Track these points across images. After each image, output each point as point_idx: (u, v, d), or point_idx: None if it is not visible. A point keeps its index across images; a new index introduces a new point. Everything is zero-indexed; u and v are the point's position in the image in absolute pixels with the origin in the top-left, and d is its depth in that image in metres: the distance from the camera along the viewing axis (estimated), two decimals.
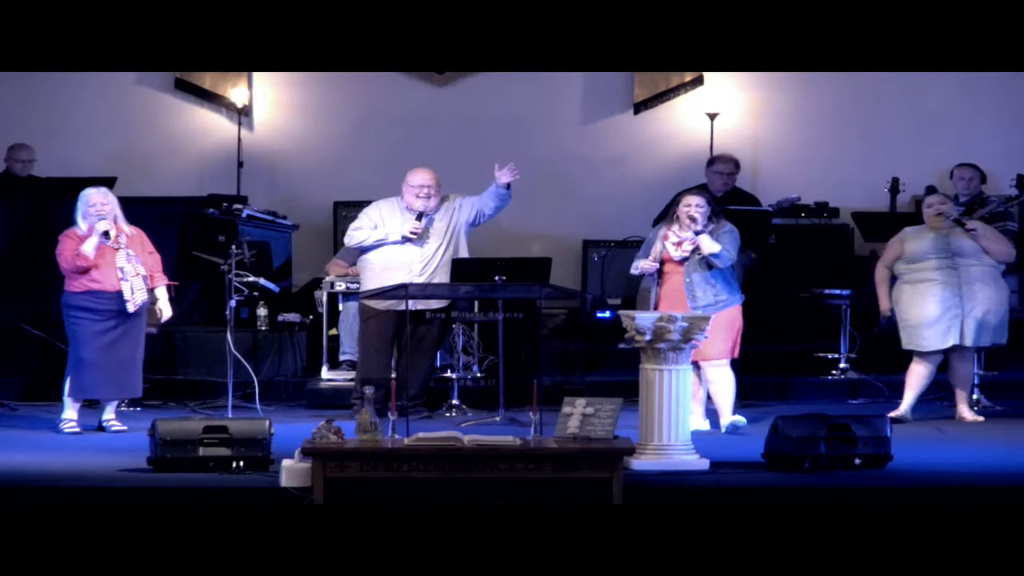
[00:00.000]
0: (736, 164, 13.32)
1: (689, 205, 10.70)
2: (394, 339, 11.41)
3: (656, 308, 10.52)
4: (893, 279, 11.34)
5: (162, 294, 10.91)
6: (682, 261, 10.64)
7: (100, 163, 13.83)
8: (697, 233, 10.60)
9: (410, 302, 10.88)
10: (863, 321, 12.59)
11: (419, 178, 11.35)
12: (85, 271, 10.58)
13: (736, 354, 10.71)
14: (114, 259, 10.60)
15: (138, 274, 10.65)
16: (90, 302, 10.59)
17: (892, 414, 11.01)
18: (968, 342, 11.07)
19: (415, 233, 11.25)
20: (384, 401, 9.85)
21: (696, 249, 10.61)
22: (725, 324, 10.56)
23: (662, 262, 10.70)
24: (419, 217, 11.25)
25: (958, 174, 13.14)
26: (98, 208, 10.63)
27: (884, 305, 11.36)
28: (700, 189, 12.47)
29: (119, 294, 10.58)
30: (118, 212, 10.74)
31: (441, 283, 11.22)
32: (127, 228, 10.77)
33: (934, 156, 13.93)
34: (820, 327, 12.69)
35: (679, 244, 10.65)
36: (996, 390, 11.82)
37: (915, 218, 12.52)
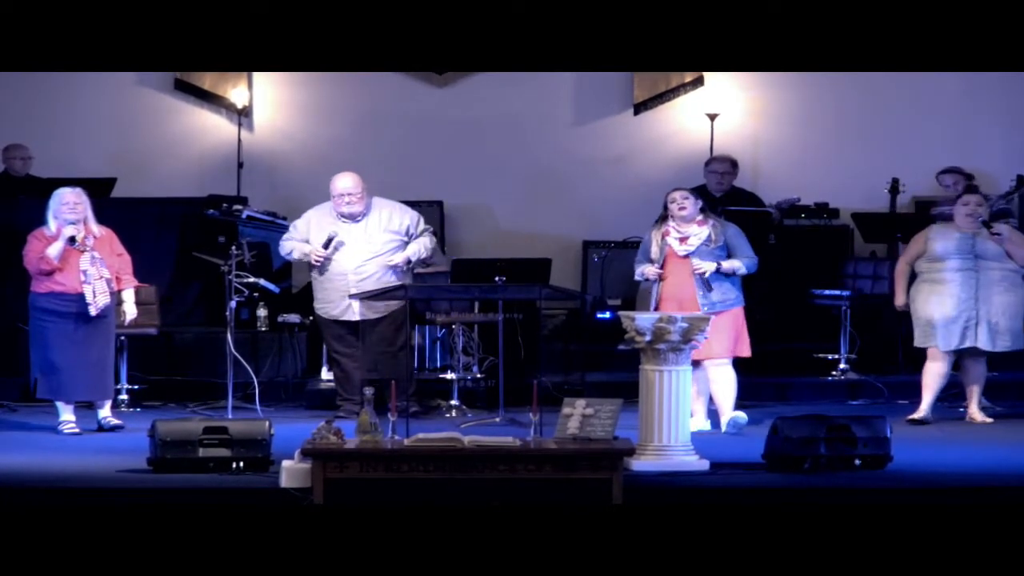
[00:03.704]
0: (733, 164, 13.29)
1: (675, 200, 10.63)
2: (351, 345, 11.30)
3: (657, 308, 10.46)
4: (913, 275, 11.25)
5: (128, 296, 10.87)
6: (687, 256, 10.56)
7: (100, 163, 13.83)
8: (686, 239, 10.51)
9: (350, 311, 10.97)
10: (863, 322, 12.59)
11: (339, 185, 11.13)
12: (49, 273, 10.56)
13: (748, 352, 10.66)
14: (78, 262, 10.58)
15: (101, 277, 10.60)
16: (53, 304, 10.59)
17: (911, 417, 10.99)
18: (982, 345, 10.98)
19: (317, 262, 11.14)
20: (375, 403, 9.78)
21: (705, 243, 10.50)
22: (729, 323, 10.53)
23: (664, 262, 10.60)
24: (326, 244, 11.11)
25: (942, 180, 13.10)
26: (71, 207, 10.61)
27: (900, 300, 11.27)
28: (700, 189, 12.48)
29: (82, 296, 10.56)
30: (89, 213, 10.72)
31: (440, 284, 11.20)
32: (96, 229, 10.73)
33: (934, 156, 13.90)
34: (820, 327, 12.68)
35: (684, 239, 10.57)
36: (996, 390, 11.79)
37: (915, 219, 12.52)
